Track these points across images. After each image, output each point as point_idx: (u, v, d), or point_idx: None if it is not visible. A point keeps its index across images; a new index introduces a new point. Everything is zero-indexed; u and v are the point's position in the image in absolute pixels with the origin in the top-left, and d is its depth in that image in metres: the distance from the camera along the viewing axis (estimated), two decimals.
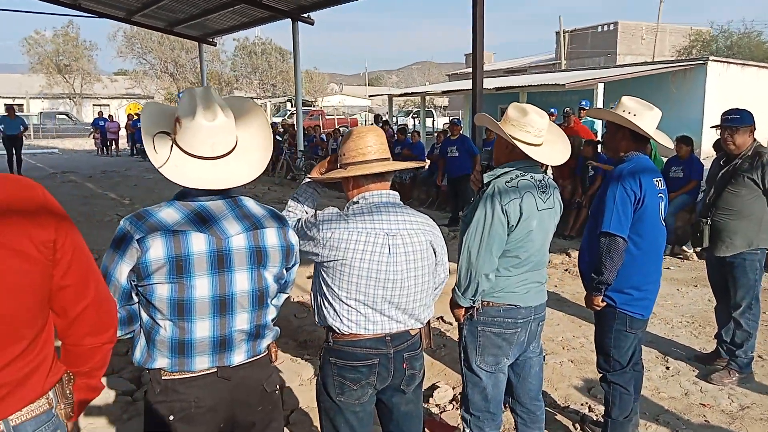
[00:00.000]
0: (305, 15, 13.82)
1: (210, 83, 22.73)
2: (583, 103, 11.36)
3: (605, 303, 2.89)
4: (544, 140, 2.48)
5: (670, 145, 2.99)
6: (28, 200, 1.31)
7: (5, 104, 16.42)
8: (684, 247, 7.29)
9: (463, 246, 2.48)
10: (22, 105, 36.13)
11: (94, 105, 38.20)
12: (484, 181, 2.50)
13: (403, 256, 2.11)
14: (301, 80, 15.00)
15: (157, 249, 1.63)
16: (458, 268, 2.51)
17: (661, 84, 18.99)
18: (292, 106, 27.50)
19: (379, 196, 2.14)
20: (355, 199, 2.16)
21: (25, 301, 1.31)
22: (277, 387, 1.95)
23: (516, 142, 2.42)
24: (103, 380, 1.66)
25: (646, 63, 21.72)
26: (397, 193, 2.22)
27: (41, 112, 33.33)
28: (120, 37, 37.40)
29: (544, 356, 4.28)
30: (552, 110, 11.39)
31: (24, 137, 14.72)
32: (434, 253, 2.22)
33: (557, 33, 35.86)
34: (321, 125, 25.13)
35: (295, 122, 15.09)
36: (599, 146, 8.45)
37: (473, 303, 2.52)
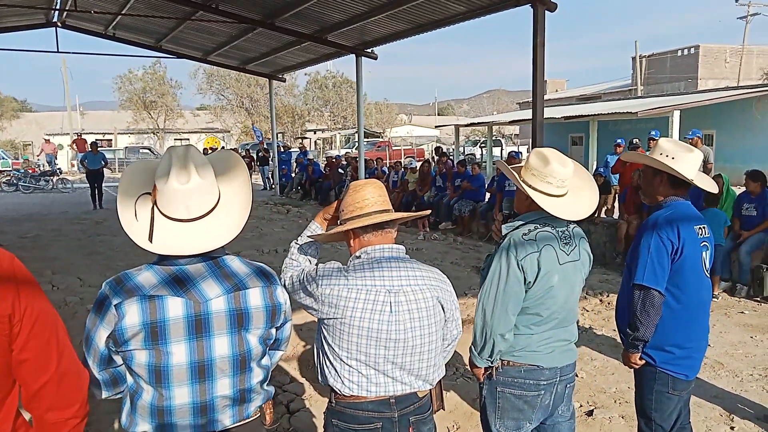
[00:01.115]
0: (368, 50, 14.05)
1: (276, 117, 23.45)
2: (653, 133, 10.84)
3: (644, 361, 2.65)
4: (569, 187, 2.33)
5: (714, 189, 2.75)
6: None
7: (91, 141, 17.54)
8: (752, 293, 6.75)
9: (478, 303, 2.34)
10: (111, 140, 38.69)
11: (175, 139, 40.40)
12: (503, 233, 2.36)
13: (407, 314, 2.00)
14: (363, 112, 15.20)
15: (132, 315, 1.60)
16: (474, 326, 2.38)
17: (744, 110, 17.93)
18: None
19: (381, 250, 2.06)
20: (357, 254, 2.09)
21: None
22: None
23: (534, 194, 2.27)
24: None
25: (727, 88, 20.59)
26: (402, 247, 2.13)
27: (126, 147, 35.55)
28: (201, 75, 39.53)
29: (593, 410, 4.02)
30: (618, 140, 10.93)
31: (105, 171, 15.65)
32: (443, 309, 2.10)
33: (633, 58, 34.80)
34: (387, 156, 25.36)
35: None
36: None
37: (491, 363, 2.36)
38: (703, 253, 2.60)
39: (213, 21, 13.52)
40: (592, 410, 4.04)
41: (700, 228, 2.61)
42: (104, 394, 1.74)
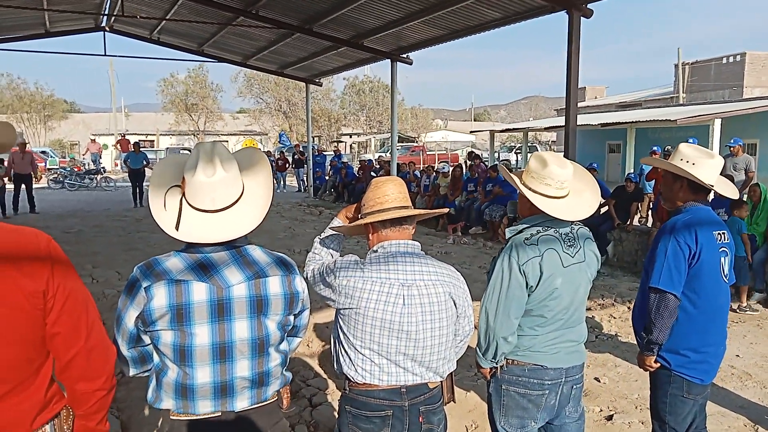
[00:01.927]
0: (404, 55, 14.17)
1: (313, 121, 23.71)
2: (691, 141, 10.62)
3: (658, 364, 2.67)
4: (569, 190, 2.37)
5: (735, 195, 2.75)
6: (21, 250, 1.45)
7: (133, 142, 18.13)
8: (749, 301, 6.60)
9: (481, 306, 2.39)
10: (153, 141, 39.76)
11: (214, 141, 41.20)
12: (506, 236, 2.42)
13: (419, 308, 2.08)
14: (397, 116, 15.31)
15: (160, 298, 1.73)
16: (478, 328, 2.43)
17: None
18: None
19: (397, 245, 2.15)
20: (374, 248, 2.18)
21: (15, 348, 1.44)
22: None
23: (533, 196, 2.32)
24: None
25: None
26: (417, 243, 2.21)
27: (167, 148, 36.47)
28: (241, 79, 40.31)
29: (612, 415, 4.02)
30: (654, 148, 10.77)
31: (146, 171, 16.14)
32: (455, 304, 2.17)
33: (675, 65, 34.07)
34: (421, 161, 25.40)
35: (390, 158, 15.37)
36: None
37: (495, 364, 2.42)
38: (722, 259, 2.61)
39: (253, 26, 13.85)
40: (612, 415, 4.04)
41: (719, 233, 2.62)
42: (132, 371, 1.87)
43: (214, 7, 13.07)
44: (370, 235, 2.21)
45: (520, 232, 2.37)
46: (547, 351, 2.37)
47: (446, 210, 2.66)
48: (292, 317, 1.95)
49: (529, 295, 2.31)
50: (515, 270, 2.28)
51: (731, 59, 33.00)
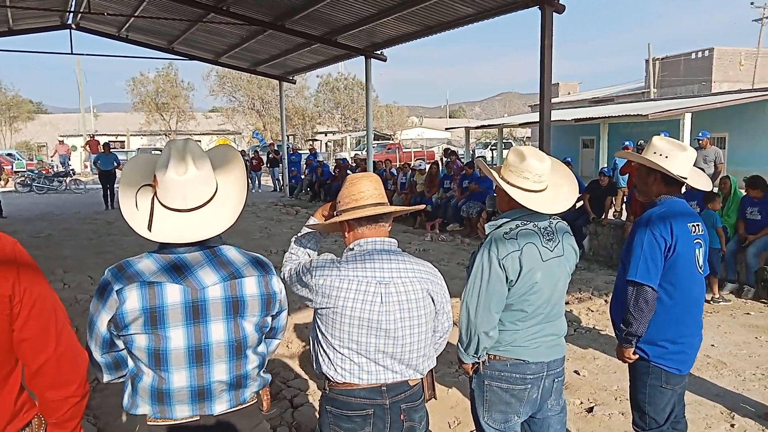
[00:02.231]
0: (378, 52, 14.13)
1: (287, 119, 23.55)
2: (662, 134, 10.81)
3: (637, 356, 2.69)
4: (548, 184, 2.36)
5: (707, 186, 2.78)
6: None
7: (103, 142, 17.79)
8: (722, 292, 6.76)
9: (462, 302, 2.38)
10: (124, 142, 39.09)
11: (187, 139, 40.65)
12: (486, 231, 2.40)
13: (396, 305, 2.06)
14: (372, 113, 15.27)
15: (132, 300, 1.67)
16: (459, 324, 2.42)
17: (757, 113, 17.79)
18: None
19: (373, 243, 2.12)
20: (350, 246, 2.15)
21: None
22: None
23: (511, 189, 2.31)
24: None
25: (740, 91, 20.43)
26: (394, 240, 2.18)
27: (139, 149, 35.88)
28: (213, 77, 39.84)
29: (593, 407, 4.05)
30: (626, 143, 10.92)
31: (117, 172, 15.84)
32: (433, 301, 2.15)
33: (646, 61, 34.61)
34: (397, 158, 25.40)
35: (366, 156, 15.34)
36: None
37: (477, 359, 2.40)
38: (697, 250, 2.63)
39: (224, 23, 13.66)
40: (593, 407, 4.07)
41: (693, 225, 2.64)
42: (106, 377, 1.81)
43: (183, 3, 12.84)
44: (346, 233, 2.18)
45: (500, 226, 2.35)
46: (529, 345, 2.36)
47: (423, 207, 2.64)
48: (269, 319, 1.90)
49: (509, 290, 2.30)
50: (495, 264, 2.27)
51: (700, 54, 33.65)
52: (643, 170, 2.71)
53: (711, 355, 5.01)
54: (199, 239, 1.72)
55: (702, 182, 2.72)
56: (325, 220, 2.30)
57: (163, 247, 1.76)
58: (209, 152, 1.84)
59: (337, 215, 2.17)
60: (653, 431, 2.72)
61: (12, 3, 13.15)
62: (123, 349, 1.78)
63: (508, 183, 2.34)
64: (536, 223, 2.35)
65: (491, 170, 2.44)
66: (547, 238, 2.35)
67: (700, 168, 3.18)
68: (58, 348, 1.50)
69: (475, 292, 2.32)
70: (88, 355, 1.68)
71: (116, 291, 1.68)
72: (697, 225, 2.66)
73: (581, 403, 4.19)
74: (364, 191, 2.13)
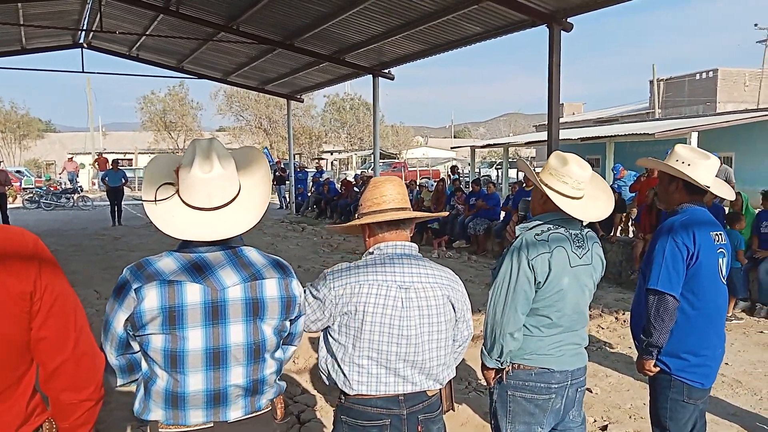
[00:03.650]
0: (385, 71, 14.23)
1: (294, 138, 23.64)
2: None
3: (658, 368, 2.62)
4: (585, 194, 2.34)
5: (731, 196, 2.74)
6: (7, 249, 1.35)
7: (112, 159, 17.89)
8: (734, 310, 6.65)
9: (489, 302, 2.35)
10: (132, 159, 39.31)
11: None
12: (516, 233, 2.37)
13: (416, 311, 2.02)
14: (379, 131, 15.32)
15: (151, 299, 1.63)
16: (484, 325, 2.38)
17: (763, 132, 17.77)
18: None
19: (393, 247, 2.09)
20: (370, 250, 2.12)
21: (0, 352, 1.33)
22: None
23: (550, 192, 2.29)
24: None
25: (746, 110, 20.43)
26: (415, 245, 2.15)
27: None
28: (221, 96, 40.16)
29: (607, 425, 3.96)
30: (617, 166, 11.00)
31: (125, 189, 15.89)
32: (453, 308, 2.11)
33: (651, 82, 34.73)
34: (403, 177, 25.43)
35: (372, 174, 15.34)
36: None
37: (501, 364, 2.35)
38: (720, 260, 2.58)
39: (234, 42, 13.80)
40: (606, 425, 3.98)
41: (716, 234, 2.59)
42: (119, 381, 1.77)
43: (194, 22, 13.00)
44: (367, 236, 2.15)
45: (531, 228, 2.33)
46: (554, 354, 2.32)
47: (446, 213, 2.62)
48: (288, 323, 1.86)
49: (536, 292, 2.27)
50: (524, 265, 2.25)
51: (704, 75, 33.76)
52: (665, 178, 2.67)
53: (726, 374, 4.92)
54: (221, 238, 1.69)
55: (725, 191, 2.68)
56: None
57: (184, 246, 1.73)
58: (233, 153, 1.82)
59: (358, 218, 2.14)
60: None
61: (25, 22, 13.34)
62: (137, 352, 1.74)
63: (546, 186, 2.32)
64: (568, 228, 2.33)
65: (533, 172, 2.42)
66: (578, 244, 2.33)
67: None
68: (77, 348, 1.46)
69: (503, 292, 2.29)
70: (104, 358, 1.63)
71: (135, 289, 1.64)
72: (720, 234, 2.61)
73: (594, 420, 4.10)
74: (387, 195, 2.10)
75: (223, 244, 1.74)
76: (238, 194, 1.74)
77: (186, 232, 1.67)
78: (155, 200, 1.69)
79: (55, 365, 1.43)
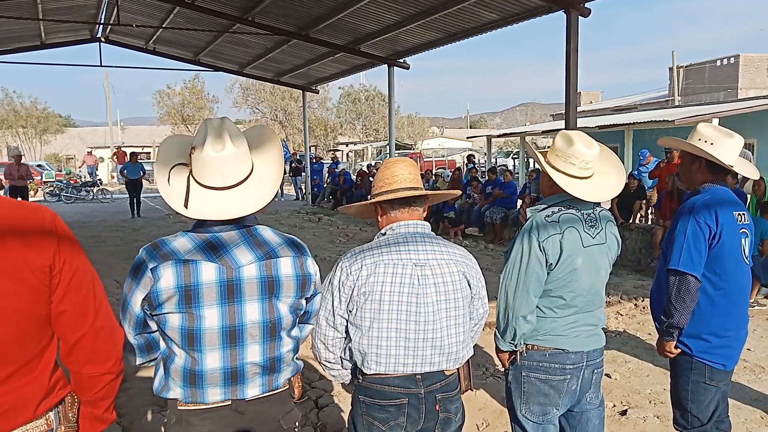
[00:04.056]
0: (401, 60, 14.16)
1: (309, 130, 23.68)
2: None
3: (679, 350, 2.59)
4: (595, 171, 2.30)
5: (755, 175, 2.68)
6: (27, 224, 1.37)
7: (130, 152, 18.08)
8: (756, 296, 6.52)
9: (501, 285, 2.32)
10: (150, 153, 39.69)
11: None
12: (527, 215, 2.35)
13: (433, 287, 2.02)
14: (394, 121, 15.27)
15: (167, 278, 1.64)
16: (497, 308, 2.36)
17: None
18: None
19: (406, 226, 2.08)
20: (383, 231, 2.12)
21: (20, 325, 1.35)
22: (297, 424, 1.88)
23: (555, 174, 2.25)
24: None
25: None
26: (427, 224, 2.14)
27: None
28: (236, 89, 40.29)
29: (626, 410, 3.93)
30: (643, 152, 10.82)
31: (144, 181, 16.06)
32: (469, 285, 2.10)
33: (670, 69, 34.18)
34: (419, 167, 25.36)
35: None
36: None
37: (515, 347, 2.33)
38: (743, 240, 2.53)
39: (249, 33, 13.83)
40: (626, 410, 3.95)
41: (739, 214, 2.54)
42: (138, 360, 1.78)
43: (209, 14, 13.04)
44: (380, 216, 2.15)
45: (542, 210, 2.31)
46: (568, 334, 2.29)
47: (459, 192, 2.59)
48: (303, 301, 1.86)
49: (548, 274, 2.24)
50: (535, 246, 2.22)
51: (725, 62, 33.13)
52: (687, 158, 2.62)
53: (748, 360, 4.85)
54: (235, 216, 1.69)
55: (749, 170, 2.62)
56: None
57: (199, 226, 1.74)
58: (246, 132, 1.81)
59: (371, 198, 2.13)
60: (696, 430, 2.61)
61: (44, 16, 13.49)
62: (155, 331, 1.76)
63: (553, 168, 2.29)
64: (579, 208, 2.30)
65: (538, 153, 2.38)
66: (590, 224, 2.29)
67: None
68: (96, 322, 1.48)
69: (514, 274, 2.26)
70: (124, 333, 1.65)
71: (151, 269, 1.65)
72: (743, 214, 2.56)
73: (614, 406, 4.07)
74: (398, 175, 2.09)
75: (238, 224, 1.74)
76: (251, 173, 1.74)
77: (200, 212, 1.67)
78: (168, 181, 1.70)
79: (76, 338, 1.45)
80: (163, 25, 14.45)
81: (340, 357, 2.13)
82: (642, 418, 3.82)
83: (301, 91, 20.10)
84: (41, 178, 25.96)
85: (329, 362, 2.15)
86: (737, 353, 2.61)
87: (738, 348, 2.60)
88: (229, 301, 1.69)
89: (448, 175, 13.79)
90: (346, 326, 2.06)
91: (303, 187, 21.07)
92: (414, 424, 2.05)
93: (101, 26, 15.71)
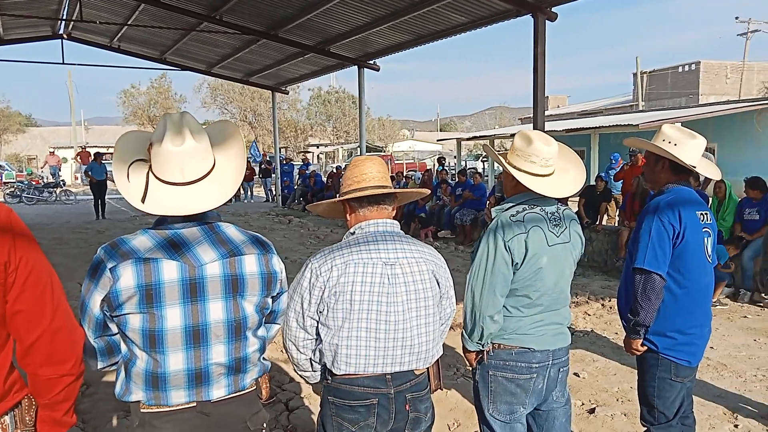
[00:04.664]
0: (371, 62, 14.14)
1: (279, 131, 23.50)
2: None
3: (645, 347, 2.63)
4: (554, 168, 2.31)
5: (717, 176, 2.74)
6: None
7: (95, 153, 17.65)
8: (763, 294, 6.67)
9: (467, 285, 2.32)
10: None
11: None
12: (492, 215, 2.35)
13: (403, 287, 2.00)
14: (365, 123, 15.25)
15: (127, 278, 1.59)
16: (463, 309, 2.35)
17: (744, 123, 17.97)
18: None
19: (375, 225, 2.06)
20: (351, 230, 2.10)
21: None
22: (264, 425, 1.84)
23: (517, 173, 2.26)
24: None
25: (728, 102, 20.63)
26: (397, 222, 2.13)
27: None
28: (205, 89, 39.73)
29: (594, 408, 3.98)
30: (614, 155, 11.02)
31: (108, 183, 15.68)
32: (438, 284, 2.09)
33: (634, 74, 34.95)
34: (389, 169, 25.41)
35: None
36: None
37: (482, 346, 2.33)
38: (705, 239, 2.58)
39: (217, 32, 13.64)
40: (594, 408, 4.00)
41: (702, 213, 2.59)
42: (99, 364, 1.72)
43: (176, 12, 12.81)
44: (348, 215, 2.12)
45: (506, 210, 2.30)
46: (534, 333, 2.30)
47: (427, 191, 2.57)
48: (270, 300, 1.83)
49: (514, 273, 2.24)
50: (501, 247, 2.22)
51: (686, 68, 34.03)
52: (651, 158, 2.67)
53: (711, 357, 4.96)
54: (195, 212, 1.64)
55: (711, 171, 2.68)
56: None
57: (160, 223, 1.69)
58: (208, 128, 1.77)
59: (339, 196, 2.11)
60: (662, 426, 2.65)
61: (2, 11, 13.08)
62: (116, 334, 1.70)
63: (514, 167, 2.29)
64: (543, 207, 2.31)
65: (498, 155, 2.39)
66: (554, 223, 2.30)
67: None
68: (54, 322, 1.41)
69: (480, 275, 2.26)
70: (84, 333, 1.59)
71: (110, 269, 1.59)
72: (706, 213, 2.61)
73: (582, 404, 4.11)
74: (367, 173, 2.07)
75: (199, 220, 1.69)
76: (212, 168, 1.69)
77: (158, 207, 1.62)
78: (128, 177, 1.64)
79: (32, 339, 1.39)
80: (128, 23, 14.16)
81: (310, 359, 2.09)
82: (610, 416, 3.87)
83: (270, 92, 19.93)
84: (1, 179, 25.20)
85: (301, 363, 2.12)
86: (701, 350, 2.66)
87: (702, 345, 2.65)
88: (192, 300, 1.64)
89: (419, 178, 13.79)
90: (317, 327, 2.03)
91: (273, 188, 20.87)
92: (384, 425, 2.02)
93: (63, 22, 15.32)
